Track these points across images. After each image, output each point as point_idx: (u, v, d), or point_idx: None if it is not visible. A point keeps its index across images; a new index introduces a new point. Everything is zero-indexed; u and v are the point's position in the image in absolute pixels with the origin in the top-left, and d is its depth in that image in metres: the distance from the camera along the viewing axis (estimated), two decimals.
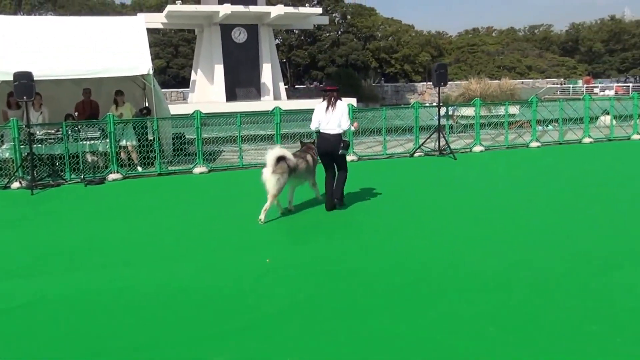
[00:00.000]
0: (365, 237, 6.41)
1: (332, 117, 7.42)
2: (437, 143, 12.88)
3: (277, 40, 59.17)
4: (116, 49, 11.78)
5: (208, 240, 6.39)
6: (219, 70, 32.84)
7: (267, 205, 7.00)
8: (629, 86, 50.47)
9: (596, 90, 51.69)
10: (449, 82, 45.01)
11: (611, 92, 46.81)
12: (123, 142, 11.39)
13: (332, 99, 7.50)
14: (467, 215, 7.22)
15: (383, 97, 50.24)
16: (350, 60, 65.65)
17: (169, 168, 11.59)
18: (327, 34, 67.34)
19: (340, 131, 7.46)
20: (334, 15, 67.26)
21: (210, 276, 5.16)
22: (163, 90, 37.50)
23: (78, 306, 4.52)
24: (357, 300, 4.45)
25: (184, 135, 12.73)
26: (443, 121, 13.53)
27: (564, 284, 4.66)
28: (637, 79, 62.65)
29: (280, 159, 6.96)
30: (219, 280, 5.05)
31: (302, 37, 67.03)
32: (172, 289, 4.84)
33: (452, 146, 13.00)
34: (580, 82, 57.69)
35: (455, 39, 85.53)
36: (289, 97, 37.94)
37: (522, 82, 52.96)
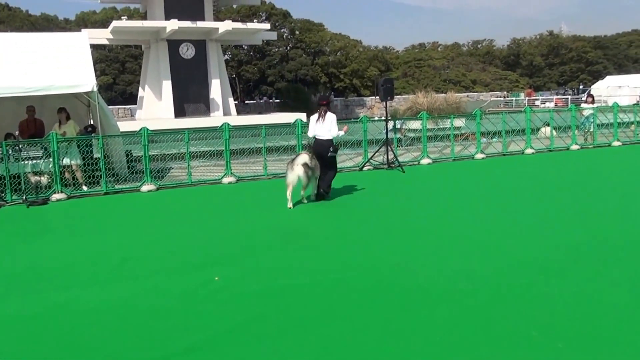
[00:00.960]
0: (319, 250, 6.40)
1: (322, 126, 9.09)
2: (386, 156, 13.09)
3: (226, 55, 58.95)
4: (59, 65, 11.45)
5: (155, 259, 6.24)
6: (167, 86, 32.37)
7: (302, 192, 8.98)
8: (567, 98, 52.83)
9: (537, 102, 53.85)
10: (397, 96, 45.99)
11: (551, 104, 48.85)
12: (67, 161, 11.02)
13: (322, 111, 9.15)
14: (415, 226, 7.35)
15: (333, 112, 50.63)
16: (299, 75, 66.03)
17: (116, 186, 11.29)
18: (276, 49, 67.58)
19: (331, 137, 9.07)
20: (282, 30, 67.61)
21: (157, 296, 5.03)
22: (110, 107, 36.71)
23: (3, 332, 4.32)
24: (308, 316, 4.44)
25: (131, 153, 12.46)
26: (391, 135, 13.77)
27: (504, 291, 4.79)
28: (575, 91, 65.68)
29: (305, 164, 8.68)
30: (166, 300, 4.92)
31: (252, 53, 66.99)
32: (116, 309, 4.70)
33: (401, 159, 13.23)
34: (522, 95, 60.00)
35: (402, 53, 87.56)
36: (239, 112, 37.74)
37: (468, 96, 54.55)
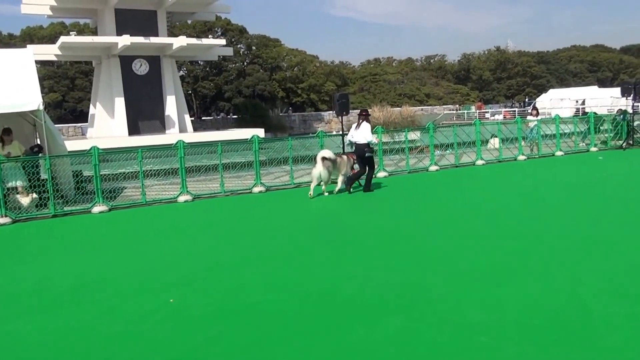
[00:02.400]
0: (279, 268, 6.36)
1: (359, 132, 11.41)
2: None
3: (181, 71, 58.33)
4: (2, 83, 11.07)
5: (107, 283, 6.07)
6: (120, 103, 31.70)
7: (323, 186, 11.29)
8: (515, 110, 54.64)
9: (487, 115, 55.50)
10: (354, 110, 46.51)
11: (500, 117, 50.44)
12: (12, 183, 10.63)
13: (360, 120, 11.53)
14: (369, 238, 7.42)
15: (291, 127, 50.77)
16: (257, 90, 65.96)
17: (65, 208, 10.94)
18: (233, 65, 67.37)
19: (365, 141, 11.28)
20: (239, 46, 67.51)
21: (110, 322, 4.89)
22: (59, 125, 35.63)
23: None
24: (261, 337, 4.41)
25: (82, 173, 12.13)
26: (348, 149, 13.88)
27: (452, 299, 4.89)
28: (522, 104, 68.04)
29: (325, 158, 10.92)
30: (119, 325, 4.80)
31: (208, 69, 66.54)
32: (64, 339, 4.54)
33: None
34: (473, 108, 61.70)
35: (358, 68, 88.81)
36: (195, 129, 37.30)
37: (422, 109, 55.73)
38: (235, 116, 50.62)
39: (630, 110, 18.40)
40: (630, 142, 17.67)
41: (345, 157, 11.58)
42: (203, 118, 55.76)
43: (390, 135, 17.46)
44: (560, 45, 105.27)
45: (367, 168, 11.54)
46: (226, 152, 13.21)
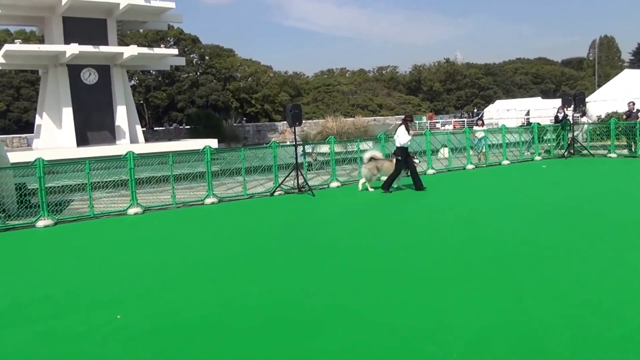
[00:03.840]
0: (223, 282, 6.36)
1: (396, 136, 12.54)
2: (296, 181, 13.28)
3: (132, 81, 57.27)
4: None
5: (50, 301, 5.90)
6: (68, 113, 30.79)
7: (367, 184, 12.95)
8: (464, 121, 56.18)
9: (438, 125, 56.80)
10: (308, 121, 46.77)
11: (450, 127, 51.76)
12: None
13: (400, 124, 12.72)
14: (315, 250, 7.51)
15: (245, 137, 50.53)
16: (210, 100, 65.39)
17: (7, 223, 10.54)
18: (186, 75, 66.61)
19: (399, 144, 12.36)
20: (192, 56, 66.85)
21: (51, 340, 4.78)
22: (3, 136, 34.30)
23: None
24: (209, 353, 4.41)
25: (25, 186, 11.74)
26: (301, 159, 14.00)
27: (404, 307, 5.03)
28: (471, 114, 70.06)
29: (371, 158, 12.74)
30: (62, 345, 4.69)
31: (160, 78, 65.55)
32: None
33: (311, 183, 13.49)
34: (424, 118, 63.07)
35: (312, 79, 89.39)
36: (147, 139, 36.61)
37: (375, 120, 56.50)
38: (188, 127, 49.99)
39: (570, 120, 19.28)
40: (571, 151, 18.49)
41: (392, 159, 12.79)
42: (155, 128, 54.79)
43: (343, 146, 17.69)
44: (506, 58, 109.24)
45: (401, 170, 12.47)
46: (178, 163, 13.07)
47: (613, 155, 17.73)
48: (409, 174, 12.68)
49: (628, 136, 18.21)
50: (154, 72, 62.09)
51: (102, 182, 12.53)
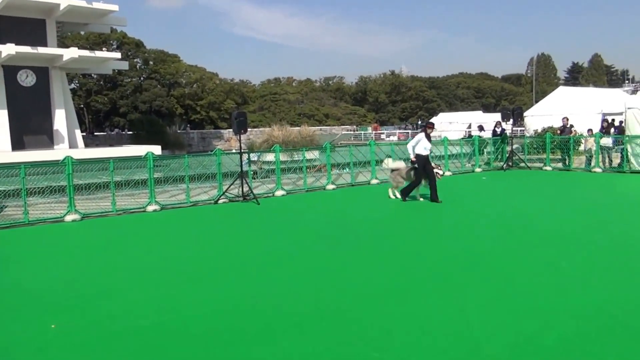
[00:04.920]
0: (163, 290, 6.25)
1: (409, 145, 12.31)
2: (241, 189, 13.20)
3: (72, 84, 55.33)
4: None
5: None
6: (3, 116, 29.39)
7: (392, 189, 12.83)
8: (408, 132, 57.51)
9: (383, 136, 57.91)
10: (254, 129, 46.58)
11: (395, 138, 52.85)
12: None
13: (421, 132, 12.41)
14: (261, 259, 7.51)
15: (189, 144, 49.76)
16: (154, 106, 64.01)
17: None
18: (129, 80, 64.97)
19: (412, 152, 12.13)
20: (135, 60, 65.33)
21: None
22: None
23: None
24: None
25: None
26: (246, 167, 13.94)
27: (345, 317, 5.10)
28: (415, 126, 71.83)
29: (394, 169, 12.86)
30: None
31: (102, 82, 63.65)
32: None
33: (256, 191, 13.44)
34: (370, 129, 64.14)
35: (258, 87, 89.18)
36: (87, 145, 35.39)
37: (321, 129, 56.89)
38: (130, 132, 48.74)
39: (509, 134, 20.14)
40: (510, 163, 19.27)
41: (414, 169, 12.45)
42: (96, 133, 53.13)
43: (289, 154, 17.74)
44: (449, 72, 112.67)
45: (421, 179, 12.11)
46: (119, 169, 12.73)
47: (548, 168, 18.61)
48: (425, 184, 12.23)
49: (562, 150, 19.18)
50: (95, 76, 60.26)
51: (38, 188, 12.04)
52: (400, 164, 13.12)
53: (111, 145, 40.14)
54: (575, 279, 6.03)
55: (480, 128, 23.75)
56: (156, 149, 27.44)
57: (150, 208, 12.11)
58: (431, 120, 13.69)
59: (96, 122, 66.20)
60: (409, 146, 12.37)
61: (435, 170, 12.22)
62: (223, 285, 6.20)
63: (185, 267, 7.14)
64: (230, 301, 5.61)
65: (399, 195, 12.65)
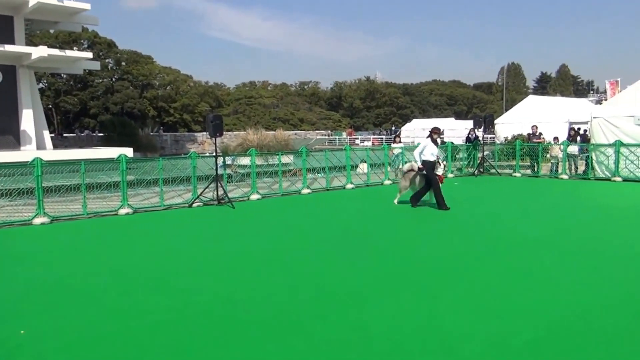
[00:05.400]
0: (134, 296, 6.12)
1: (416, 151, 12.06)
2: (216, 192, 13.06)
3: (40, 84, 54.12)
4: None
5: None
6: None
7: (399, 194, 12.58)
8: (382, 138, 57.96)
9: (357, 141, 58.22)
10: (229, 133, 46.25)
11: (369, 143, 53.20)
12: None
13: (427, 137, 12.04)
14: (235, 264, 7.43)
15: (162, 147, 49.18)
16: (126, 108, 63.10)
17: None
18: (100, 80, 63.92)
19: (417, 158, 11.93)
20: (107, 61, 64.32)
21: None
22: None
23: None
24: None
25: None
26: (221, 171, 13.80)
27: (319, 320, 5.08)
28: (389, 132, 72.42)
29: (405, 172, 12.56)
30: None
31: (72, 82, 62.45)
32: None
33: (231, 195, 13.32)
34: (344, 134, 64.42)
35: (233, 90, 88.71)
36: (56, 146, 34.71)
37: (296, 134, 56.95)
38: (101, 134, 47.90)
39: (480, 141, 20.44)
40: (481, 169, 19.55)
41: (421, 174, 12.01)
42: (65, 135, 52.04)
43: (264, 158, 17.65)
44: (422, 79, 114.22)
45: (430, 185, 11.71)
46: (90, 172, 12.45)
47: (518, 174, 18.95)
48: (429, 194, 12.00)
49: (531, 157, 19.57)
50: (65, 76, 59.10)
51: (5, 190, 11.68)
52: (414, 166, 12.37)
53: (81, 147, 39.41)
54: (544, 281, 6.14)
55: (469, 138, 22.98)
56: (128, 152, 27.05)
57: (122, 211, 11.88)
58: (436, 126, 12.77)
59: (65, 123, 64.89)
60: (415, 153, 12.10)
61: (439, 169, 11.85)
62: (197, 289, 6.10)
63: (156, 272, 7.01)
64: (202, 305, 5.52)
65: (395, 201, 12.38)
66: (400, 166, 18.47)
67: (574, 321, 4.91)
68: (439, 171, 11.88)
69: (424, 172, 11.73)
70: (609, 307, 5.27)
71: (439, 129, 12.41)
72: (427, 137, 12.07)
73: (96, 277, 6.77)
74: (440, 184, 11.73)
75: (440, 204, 11.54)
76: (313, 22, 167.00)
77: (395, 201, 12.45)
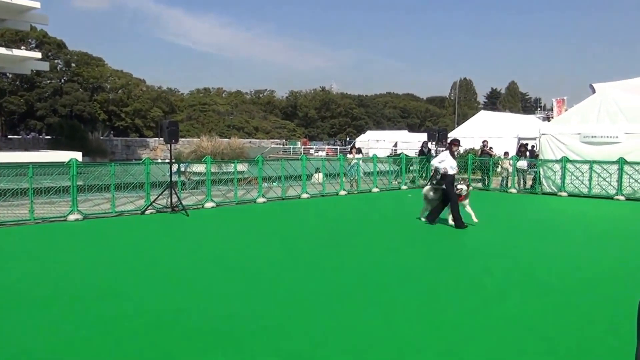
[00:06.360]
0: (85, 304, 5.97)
1: (437, 162, 11.38)
2: (169, 200, 12.87)
3: None
4: None
5: None
6: None
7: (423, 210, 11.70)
8: (337, 148, 58.45)
9: (312, 151, 58.49)
10: (182, 139, 45.59)
11: (323, 153, 53.55)
12: None
13: (445, 150, 11.60)
14: (185, 271, 7.36)
15: (113, 152, 47.98)
16: (75, 111, 61.24)
17: None
18: (49, 81, 61.83)
19: (435, 170, 11.97)
20: (56, 61, 62.35)
21: None
22: None
23: None
24: None
25: None
26: (175, 178, 13.60)
27: (275, 331, 5.11)
28: (343, 142, 73.10)
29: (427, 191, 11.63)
30: None
31: (18, 82, 60.12)
32: None
33: (185, 202, 13.14)
34: (299, 143, 64.61)
35: (187, 96, 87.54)
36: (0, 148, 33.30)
37: (250, 142, 56.72)
38: (48, 137, 46.27)
39: (433, 153, 20.92)
40: (434, 182, 19.96)
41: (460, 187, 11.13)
42: (9, 137, 49.96)
43: (219, 166, 17.50)
44: (377, 91, 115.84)
45: (447, 201, 10.96)
46: (38, 176, 12.02)
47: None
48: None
49: (482, 171, 20.19)
50: (10, 75, 56.84)
51: None
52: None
53: (26, 149, 37.94)
54: (494, 292, 6.34)
55: (423, 152, 23.25)
56: (77, 156, 26.23)
57: (72, 217, 11.53)
58: (456, 137, 12.47)
59: (10, 124, 62.34)
60: (434, 162, 11.71)
61: (458, 186, 10.99)
62: (146, 299, 6.00)
63: (103, 282, 6.85)
64: (150, 315, 5.45)
65: (422, 218, 11.61)
66: (355, 177, 18.74)
67: (522, 331, 5.07)
68: (461, 188, 11.00)
69: (443, 186, 11.06)
70: (551, 314, 5.52)
71: (458, 141, 11.81)
72: (446, 150, 11.55)
73: (40, 286, 6.55)
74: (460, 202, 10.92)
75: (457, 221, 10.77)
76: (270, 30, 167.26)
77: (422, 217, 11.71)
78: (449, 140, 11.74)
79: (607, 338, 4.91)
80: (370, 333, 4.98)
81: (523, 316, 5.50)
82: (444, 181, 11.01)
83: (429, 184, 11.53)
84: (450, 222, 10.96)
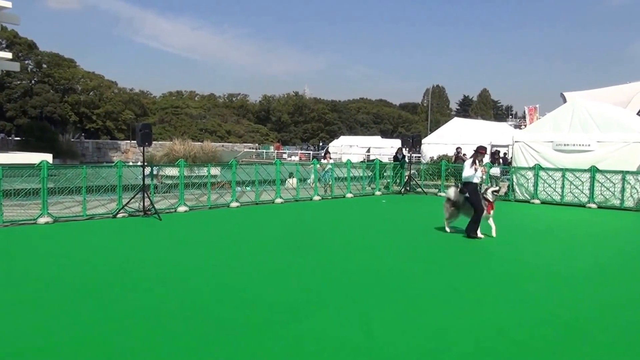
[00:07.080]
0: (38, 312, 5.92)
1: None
2: (142, 203, 12.76)
3: None
4: None
5: None
6: None
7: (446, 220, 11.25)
8: (310, 153, 58.56)
9: (285, 155, 58.50)
10: (154, 142, 45.07)
11: (297, 158, 53.61)
12: None
13: (471, 157, 10.93)
14: (154, 277, 7.35)
15: (83, 154, 47.19)
16: (45, 112, 60.02)
17: None
18: (19, 82, 60.48)
19: (465, 179, 10.73)
20: (26, 62, 61.05)
21: None
22: None
23: None
24: None
25: None
26: (148, 181, 13.49)
27: (256, 333, 5.15)
28: (316, 147, 73.27)
29: (448, 200, 11.21)
30: None
31: None
32: None
33: (157, 206, 13.04)
34: (272, 148, 64.56)
35: (159, 99, 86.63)
36: None
37: (223, 145, 56.41)
38: (18, 138, 45.24)
39: (407, 160, 21.19)
40: (408, 188, 20.20)
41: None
42: None
43: (191, 170, 17.40)
44: (350, 97, 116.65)
45: (480, 208, 10.51)
46: (7, 178, 11.80)
47: (443, 194, 19.67)
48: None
49: (456, 177, 20.47)
50: None
51: None
52: (452, 192, 11.25)
53: None
54: (470, 299, 6.45)
55: (397, 157, 23.30)
56: (47, 158, 25.74)
57: (42, 220, 11.35)
58: (482, 145, 11.45)
59: None
60: (467, 174, 10.71)
61: (489, 189, 10.86)
62: (119, 302, 5.99)
63: (73, 285, 6.79)
64: (123, 320, 5.45)
65: (447, 229, 11.22)
66: (329, 182, 18.84)
67: (500, 338, 5.17)
68: (489, 196, 10.78)
69: (467, 194, 10.68)
70: (531, 322, 5.70)
71: (485, 148, 11.26)
72: (471, 158, 11.02)
73: (8, 289, 6.47)
74: (485, 212, 10.64)
75: (470, 231, 10.56)
76: (243, 34, 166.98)
77: (446, 227, 11.32)
78: (474, 148, 11.10)
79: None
80: (344, 339, 5.05)
81: (500, 323, 5.65)
82: (467, 188, 10.65)
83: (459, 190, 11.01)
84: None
